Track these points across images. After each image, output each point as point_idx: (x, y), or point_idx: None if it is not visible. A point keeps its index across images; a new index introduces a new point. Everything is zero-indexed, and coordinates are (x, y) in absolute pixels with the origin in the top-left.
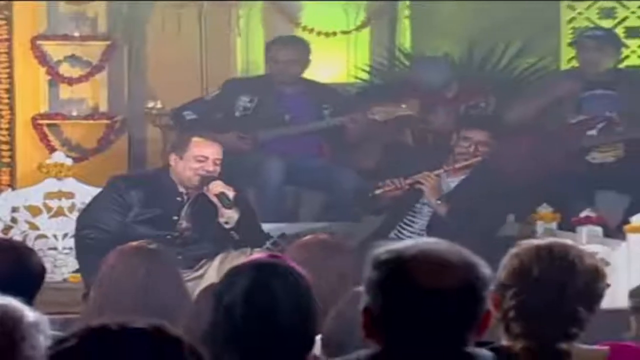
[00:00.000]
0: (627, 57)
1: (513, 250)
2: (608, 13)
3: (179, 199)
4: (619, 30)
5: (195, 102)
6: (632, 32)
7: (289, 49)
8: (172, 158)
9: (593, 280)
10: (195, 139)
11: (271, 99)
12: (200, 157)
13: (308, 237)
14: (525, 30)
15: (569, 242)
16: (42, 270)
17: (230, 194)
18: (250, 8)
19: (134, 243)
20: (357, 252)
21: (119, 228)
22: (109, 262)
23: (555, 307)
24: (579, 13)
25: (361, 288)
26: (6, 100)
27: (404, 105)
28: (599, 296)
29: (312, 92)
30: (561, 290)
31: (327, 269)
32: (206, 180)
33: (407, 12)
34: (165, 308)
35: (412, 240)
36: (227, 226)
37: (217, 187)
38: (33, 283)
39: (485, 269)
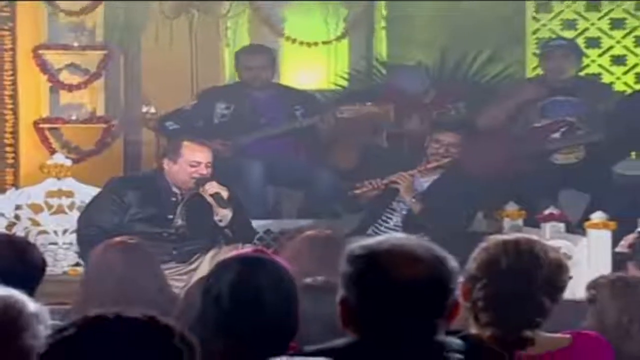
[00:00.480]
0: (587, 65)
1: (482, 245)
2: (570, 25)
3: (173, 199)
4: (580, 41)
5: (175, 113)
6: (592, 43)
7: (259, 56)
8: (165, 162)
9: (556, 273)
10: (185, 143)
11: (246, 104)
12: (193, 162)
13: (313, 231)
14: (493, 41)
15: (534, 237)
16: (43, 264)
17: (225, 194)
18: (238, 20)
19: (118, 238)
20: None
21: (118, 226)
22: (94, 256)
23: (521, 297)
24: (543, 25)
25: (309, 280)
26: (10, 106)
27: (369, 103)
28: (561, 288)
29: (283, 95)
30: (527, 282)
31: (331, 263)
32: (201, 182)
33: (383, 24)
34: (142, 296)
35: (384, 236)
36: (221, 224)
37: (212, 188)
38: (34, 276)
39: (452, 262)
